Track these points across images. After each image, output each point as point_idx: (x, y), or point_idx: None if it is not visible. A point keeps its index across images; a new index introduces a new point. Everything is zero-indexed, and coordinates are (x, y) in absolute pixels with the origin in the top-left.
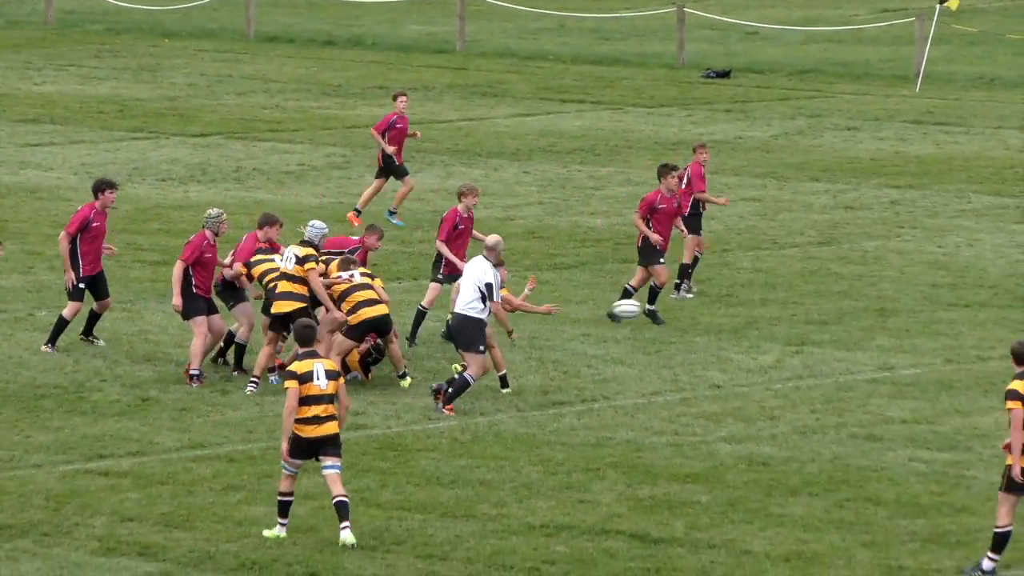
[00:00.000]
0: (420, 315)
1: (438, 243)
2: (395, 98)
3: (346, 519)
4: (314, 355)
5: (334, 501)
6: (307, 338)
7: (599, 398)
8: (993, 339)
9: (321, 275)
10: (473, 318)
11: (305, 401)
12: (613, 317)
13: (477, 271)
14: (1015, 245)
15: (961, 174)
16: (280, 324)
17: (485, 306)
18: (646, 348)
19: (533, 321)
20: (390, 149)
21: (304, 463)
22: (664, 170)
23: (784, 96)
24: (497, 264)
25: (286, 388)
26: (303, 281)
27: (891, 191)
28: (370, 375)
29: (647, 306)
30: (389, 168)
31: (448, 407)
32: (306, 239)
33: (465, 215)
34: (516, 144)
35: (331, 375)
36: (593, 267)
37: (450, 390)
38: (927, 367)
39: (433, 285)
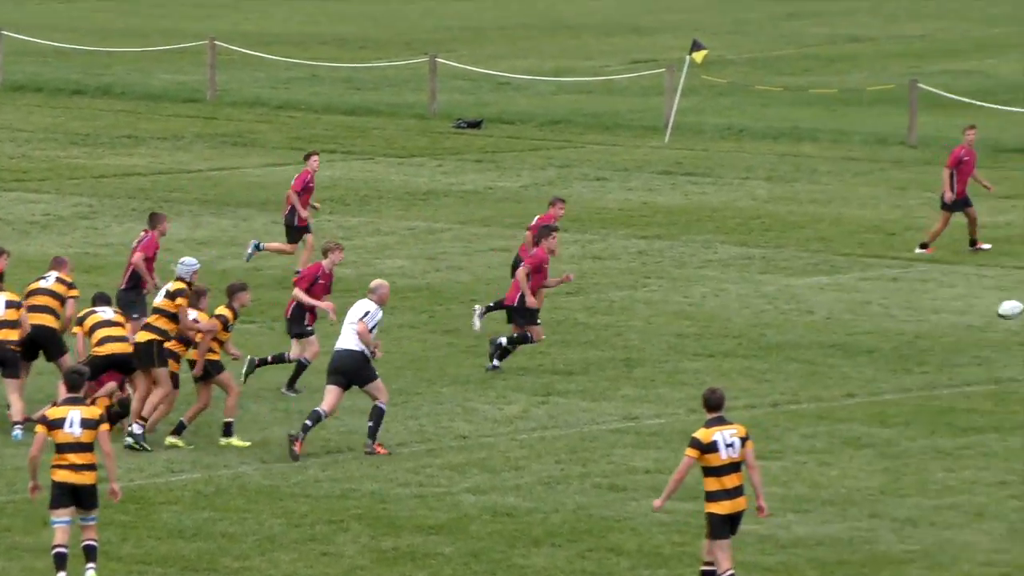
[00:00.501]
0: (301, 367)
1: (299, 293)
2: (308, 157)
3: (93, 561)
4: (76, 402)
5: (83, 544)
6: (73, 384)
7: (344, 449)
8: (737, 389)
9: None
10: (358, 352)
11: (60, 448)
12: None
13: (361, 307)
14: (760, 295)
15: (708, 224)
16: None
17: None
18: (392, 399)
19: (277, 371)
20: (305, 213)
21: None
22: (545, 231)
23: (535, 146)
24: (380, 304)
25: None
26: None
27: (639, 241)
28: (116, 427)
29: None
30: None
31: (377, 446)
32: (177, 276)
33: (328, 271)
34: (266, 194)
35: (88, 423)
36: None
37: (370, 424)
38: (671, 416)
39: (310, 340)
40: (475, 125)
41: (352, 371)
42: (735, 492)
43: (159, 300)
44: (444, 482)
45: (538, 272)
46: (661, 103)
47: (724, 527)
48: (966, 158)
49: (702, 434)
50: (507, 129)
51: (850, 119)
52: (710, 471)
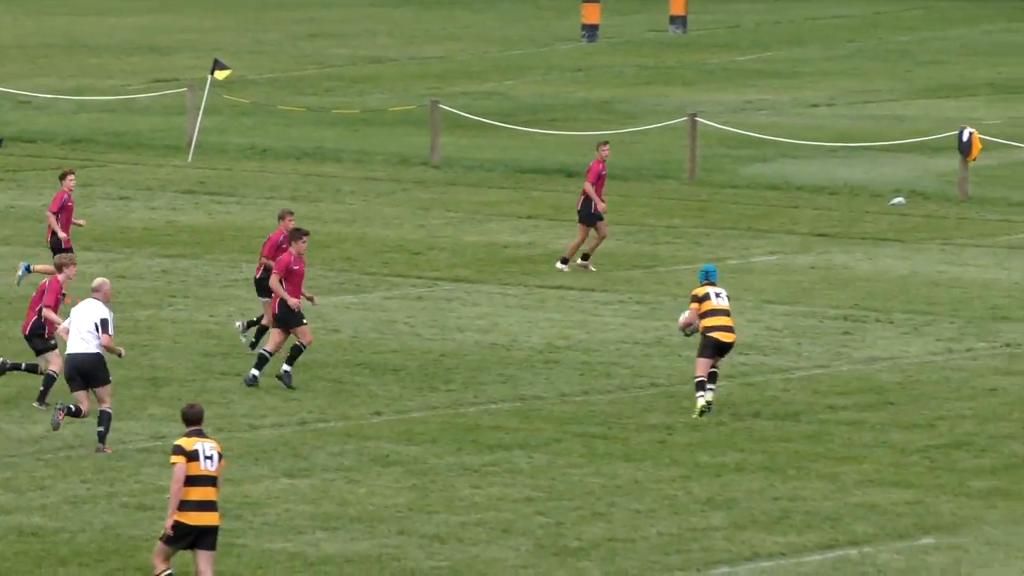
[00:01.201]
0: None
1: (47, 312)
2: (63, 177)
3: None
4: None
5: None
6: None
7: None
8: (265, 407)
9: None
10: (96, 354)
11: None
12: None
13: (91, 310)
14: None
15: (234, 243)
16: None
17: (99, 341)
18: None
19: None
20: (62, 234)
21: None
22: (296, 234)
23: (57, 165)
24: (105, 301)
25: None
26: None
27: (164, 260)
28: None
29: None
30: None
31: (105, 448)
32: None
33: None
34: None
35: None
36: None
37: (100, 429)
38: None
39: (54, 352)
40: None
41: (90, 373)
42: (209, 506)
43: None
44: None
45: (290, 274)
46: (183, 123)
47: (187, 538)
48: (604, 172)
49: (185, 442)
50: (28, 148)
51: (373, 139)
52: (190, 480)
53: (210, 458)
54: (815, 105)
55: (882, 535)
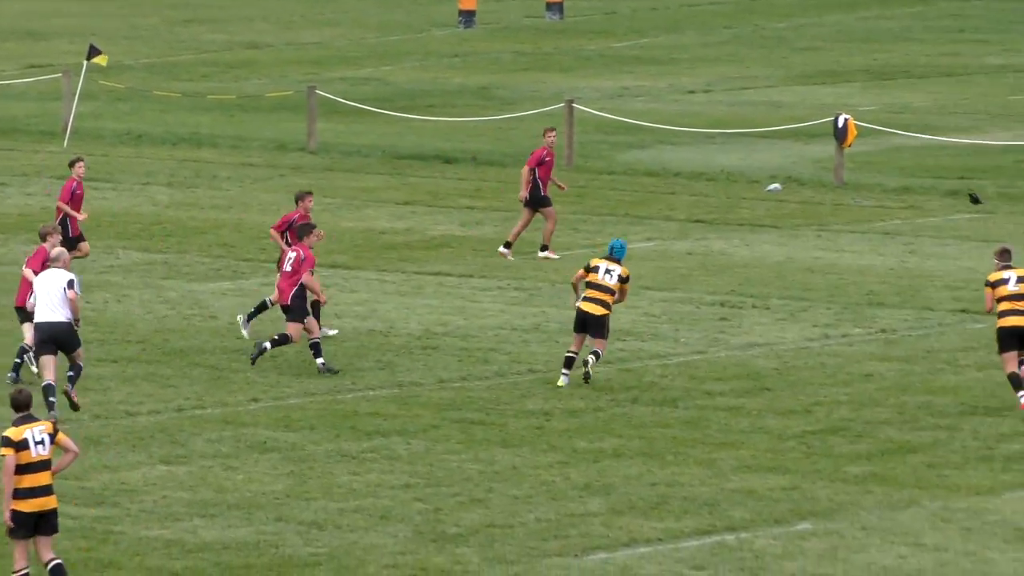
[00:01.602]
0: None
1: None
2: (72, 164)
3: None
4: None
5: None
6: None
7: None
8: (141, 394)
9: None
10: (67, 323)
11: None
12: None
13: (56, 278)
14: (163, 301)
15: (110, 230)
16: None
17: (68, 310)
18: None
19: None
20: (81, 216)
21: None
22: (306, 229)
23: None
24: (66, 269)
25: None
26: None
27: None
28: None
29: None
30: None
31: (73, 393)
32: None
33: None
34: None
35: None
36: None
37: (71, 374)
38: (73, 424)
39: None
40: None
41: (62, 340)
42: (44, 491)
43: None
44: None
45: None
46: (59, 108)
47: (28, 526)
48: (547, 158)
49: (13, 432)
50: None
51: (249, 125)
52: (22, 468)
53: (41, 443)
54: (692, 92)
55: (759, 521)
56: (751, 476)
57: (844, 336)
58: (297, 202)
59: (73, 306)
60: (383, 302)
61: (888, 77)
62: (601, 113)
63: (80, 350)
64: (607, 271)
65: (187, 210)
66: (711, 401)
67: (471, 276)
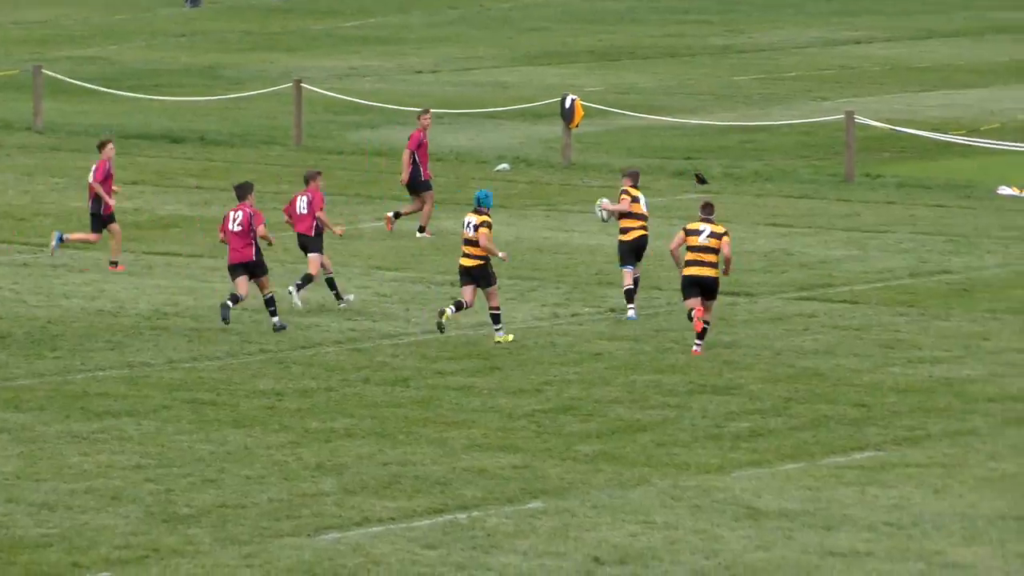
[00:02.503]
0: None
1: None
2: (102, 147)
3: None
4: None
5: None
6: None
7: None
8: None
9: None
10: None
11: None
12: None
13: None
14: None
15: None
16: None
17: None
18: None
19: None
20: (111, 201)
21: None
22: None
23: None
24: None
25: None
26: None
27: None
28: None
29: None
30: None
31: None
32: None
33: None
34: None
35: None
36: None
37: None
38: None
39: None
40: None
41: None
42: None
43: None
44: None
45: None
46: None
47: None
48: (425, 140)
49: None
50: None
51: None
52: None
53: None
54: (420, 72)
55: (491, 499)
56: (483, 455)
57: (574, 315)
58: (307, 182)
59: None
60: (112, 282)
61: (613, 58)
62: (329, 93)
63: None
64: (467, 223)
65: None
66: (442, 380)
67: (201, 256)
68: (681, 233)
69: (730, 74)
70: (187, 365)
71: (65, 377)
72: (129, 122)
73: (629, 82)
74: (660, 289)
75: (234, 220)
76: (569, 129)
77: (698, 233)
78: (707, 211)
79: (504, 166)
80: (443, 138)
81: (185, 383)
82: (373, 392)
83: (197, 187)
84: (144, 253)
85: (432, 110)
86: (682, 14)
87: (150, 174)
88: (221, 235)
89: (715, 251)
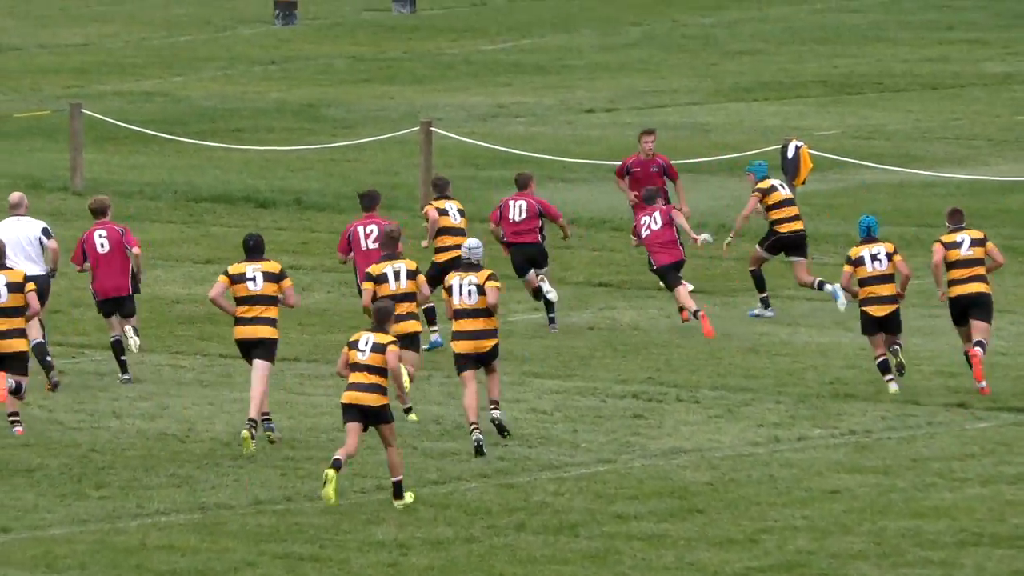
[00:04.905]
0: None
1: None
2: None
3: None
4: None
5: None
6: None
7: None
8: None
9: None
10: (47, 275)
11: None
12: None
13: (26, 228)
14: None
15: None
16: None
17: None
18: None
19: None
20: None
21: None
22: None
23: None
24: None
25: None
26: None
27: None
28: None
29: None
30: None
31: None
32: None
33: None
34: None
35: None
36: None
37: None
38: None
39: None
40: None
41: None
42: None
43: None
44: None
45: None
46: None
47: None
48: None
49: None
50: None
51: None
52: None
53: None
54: (591, 110)
55: None
56: None
57: (800, 440)
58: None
59: (55, 253)
60: (177, 396)
61: (853, 91)
62: (469, 140)
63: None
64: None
65: None
66: (623, 527)
67: (297, 360)
68: (939, 246)
69: (1012, 112)
70: (279, 507)
71: (115, 524)
72: (200, 179)
73: (874, 123)
74: (918, 403)
75: (367, 236)
76: (793, 186)
77: (958, 246)
78: (956, 219)
79: (706, 236)
80: (622, 198)
81: (277, 532)
82: (530, 543)
83: (292, 267)
84: (220, 356)
85: (601, 162)
86: (945, 31)
87: (229, 249)
88: (342, 257)
89: (982, 262)
